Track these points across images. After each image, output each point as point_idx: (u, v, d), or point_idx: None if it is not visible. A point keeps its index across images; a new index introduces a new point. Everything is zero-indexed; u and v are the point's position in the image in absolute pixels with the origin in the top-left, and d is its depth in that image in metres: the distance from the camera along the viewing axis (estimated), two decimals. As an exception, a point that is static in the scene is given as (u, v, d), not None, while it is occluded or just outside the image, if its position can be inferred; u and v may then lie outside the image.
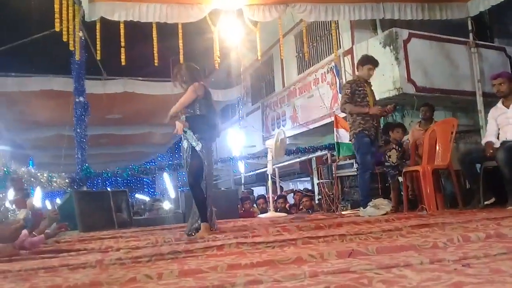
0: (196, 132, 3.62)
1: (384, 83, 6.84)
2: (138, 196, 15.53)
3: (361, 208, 4.46)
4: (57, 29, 5.40)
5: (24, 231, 2.94)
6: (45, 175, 6.03)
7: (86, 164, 6.85)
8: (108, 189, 9.24)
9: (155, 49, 6.07)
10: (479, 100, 6.93)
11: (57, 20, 5.34)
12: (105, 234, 4.35)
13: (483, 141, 4.45)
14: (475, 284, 1.17)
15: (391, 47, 6.81)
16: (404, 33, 6.89)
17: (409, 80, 6.73)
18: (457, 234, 2.09)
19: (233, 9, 6.27)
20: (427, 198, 4.37)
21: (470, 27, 7.19)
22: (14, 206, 3.27)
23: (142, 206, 11.01)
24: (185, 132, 3.66)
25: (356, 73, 4.83)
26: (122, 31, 5.92)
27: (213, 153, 3.79)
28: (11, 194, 4.16)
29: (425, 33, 7.12)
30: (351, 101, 4.55)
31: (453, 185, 4.65)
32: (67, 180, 6.49)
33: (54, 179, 6.19)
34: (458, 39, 7.31)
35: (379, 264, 1.52)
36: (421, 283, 1.23)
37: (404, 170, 4.86)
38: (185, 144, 3.70)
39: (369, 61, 4.68)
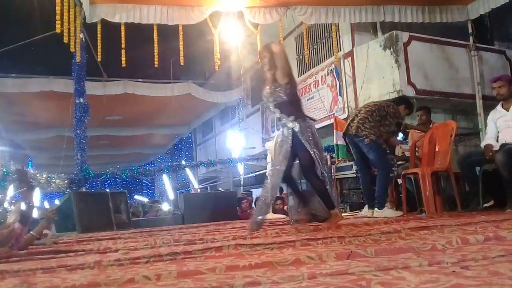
0: (290, 115, 3.56)
1: (384, 85, 6.86)
2: (137, 197, 15.51)
3: (376, 209, 4.35)
4: (58, 30, 5.42)
5: (17, 225, 2.88)
6: (44, 176, 6.05)
7: (86, 165, 6.86)
8: (107, 190, 9.23)
9: (156, 51, 6.08)
10: (479, 103, 6.93)
11: (58, 22, 5.35)
12: (103, 235, 4.34)
13: (483, 144, 4.44)
14: (474, 286, 1.17)
15: (391, 49, 6.82)
16: (405, 35, 6.90)
17: (409, 82, 6.74)
18: (456, 237, 2.08)
19: (233, 11, 6.28)
20: (426, 201, 4.36)
21: (470, 30, 7.20)
22: (18, 198, 3.22)
23: (139, 209, 10.91)
24: (279, 119, 3.62)
25: (399, 109, 4.69)
26: (122, 32, 5.94)
27: (313, 129, 3.64)
28: (13, 187, 4.10)
29: (425, 36, 7.13)
30: None
31: (452, 187, 4.64)
32: (66, 181, 6.50)
33: (53, 180, 6.21)
34: (458, 42, 7.32)
35: (377, 266, 1.52)
36: (419, 285, 1.22)
37: (403, 173, 4.86)
38: (285, 131, 3.60)
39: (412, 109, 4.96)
